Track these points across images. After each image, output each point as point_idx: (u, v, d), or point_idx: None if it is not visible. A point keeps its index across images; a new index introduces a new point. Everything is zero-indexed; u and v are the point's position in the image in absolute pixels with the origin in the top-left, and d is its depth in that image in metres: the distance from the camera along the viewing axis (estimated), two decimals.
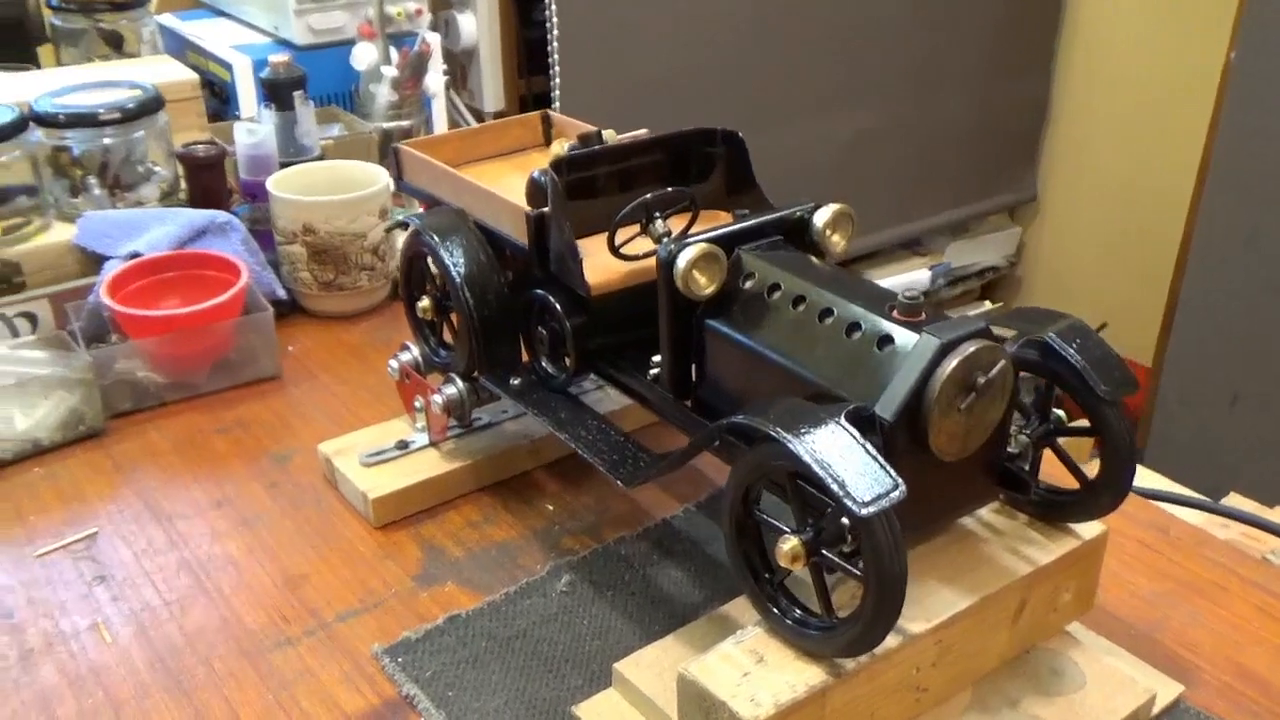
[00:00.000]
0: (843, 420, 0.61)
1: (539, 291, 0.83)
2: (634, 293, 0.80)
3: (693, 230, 0.78)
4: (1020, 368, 0.72)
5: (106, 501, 0.95)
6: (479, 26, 1.91)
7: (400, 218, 0.92)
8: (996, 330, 0.70)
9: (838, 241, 0.78)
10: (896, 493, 0.58)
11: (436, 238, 0.87)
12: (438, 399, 0.92)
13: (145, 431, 1.05)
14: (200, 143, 1.25)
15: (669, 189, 0.78)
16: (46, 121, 1.18)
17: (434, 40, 1.60)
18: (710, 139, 0.87)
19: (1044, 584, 0.73)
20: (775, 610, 0.65)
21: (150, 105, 1.22)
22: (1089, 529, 0.75)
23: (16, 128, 1.16)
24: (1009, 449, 0.72)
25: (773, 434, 0.60)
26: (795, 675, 0.63)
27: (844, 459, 0.59)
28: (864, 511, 0.57)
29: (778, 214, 0.77)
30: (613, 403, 0.96)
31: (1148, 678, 0.75)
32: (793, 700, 0.62)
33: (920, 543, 0.74)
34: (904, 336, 0.64)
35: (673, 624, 0.78)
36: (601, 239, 0.79)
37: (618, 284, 0.80)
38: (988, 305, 2.79)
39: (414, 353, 0.97)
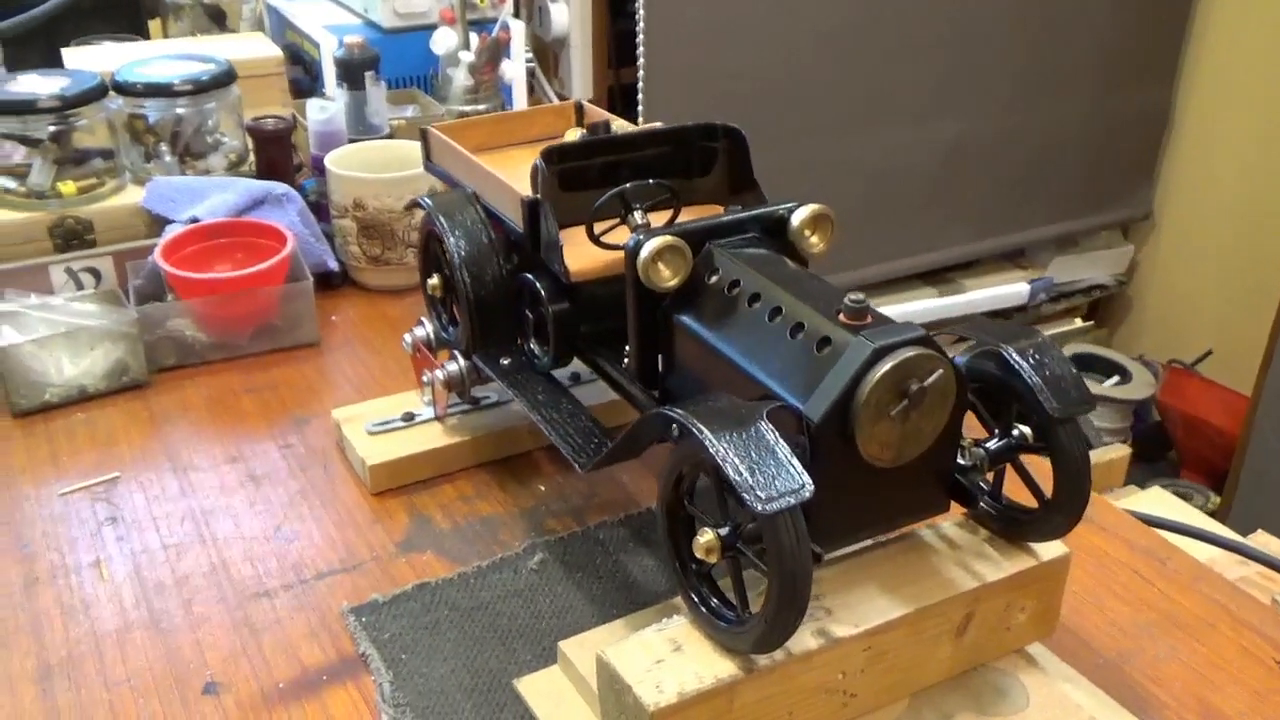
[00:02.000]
0: (762, 418, 0.61)
1: (527, 276, 0.85)
2: (615, 282, 0.81)
3: (679, 224, 0.79)
4: (975, 380, 0.71)
5: (134, 449, 1.01)
6: (570, 16, 1.94)
7: (417, 198, 0.95)
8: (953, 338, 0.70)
9: (815, 243, 0.78)
10: (802, 492, 0.58)
11: (443, 219, 0.90)
12: (439, 374, 0.95)
13: (183, 387, 1.11)
14: (269, 117, 1.31)
15: (649, 181, 0.79)
16: (126, 90, 1.25)
17: (516, 28, 1.64)
18: (712, 134, 0.88)
19: (992, 601, 0.72)
20: (695, 600, 0.66)
21: (222, 79, 1.29)
22: (1049, 549, 0.74)
23: (98, 94, 1.23)
24: (961, 461, 0.71)
25: (690, 427, 0.61)
26: (706, 666, 0.64)
27: (755, 456, 0.59)
28: (763, 508, 0.57)
29: (754, 211, 0.77)
30: (609, 394, 0.97)
31: (1100, 707, 0.73)
32: (697, 690, 0.63)
33: (870, 550, 0.73)
34: (841, 339, 0.64)
35: (632, 609, 0.80)
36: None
37: (598, 272, 0.81)
38: (1078, 323, 2.70)
39: (427, 329, 1.00)
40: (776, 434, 0.60)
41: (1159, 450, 2.57)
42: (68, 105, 1.21)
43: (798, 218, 0.77)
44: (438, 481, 0.96)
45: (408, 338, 1.01)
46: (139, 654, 0.78)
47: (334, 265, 1.27)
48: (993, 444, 0.71)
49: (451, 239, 0.89)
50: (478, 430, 0.98)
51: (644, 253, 0.72)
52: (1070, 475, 0.68)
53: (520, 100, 1.71)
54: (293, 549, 0.88)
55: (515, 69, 1.63)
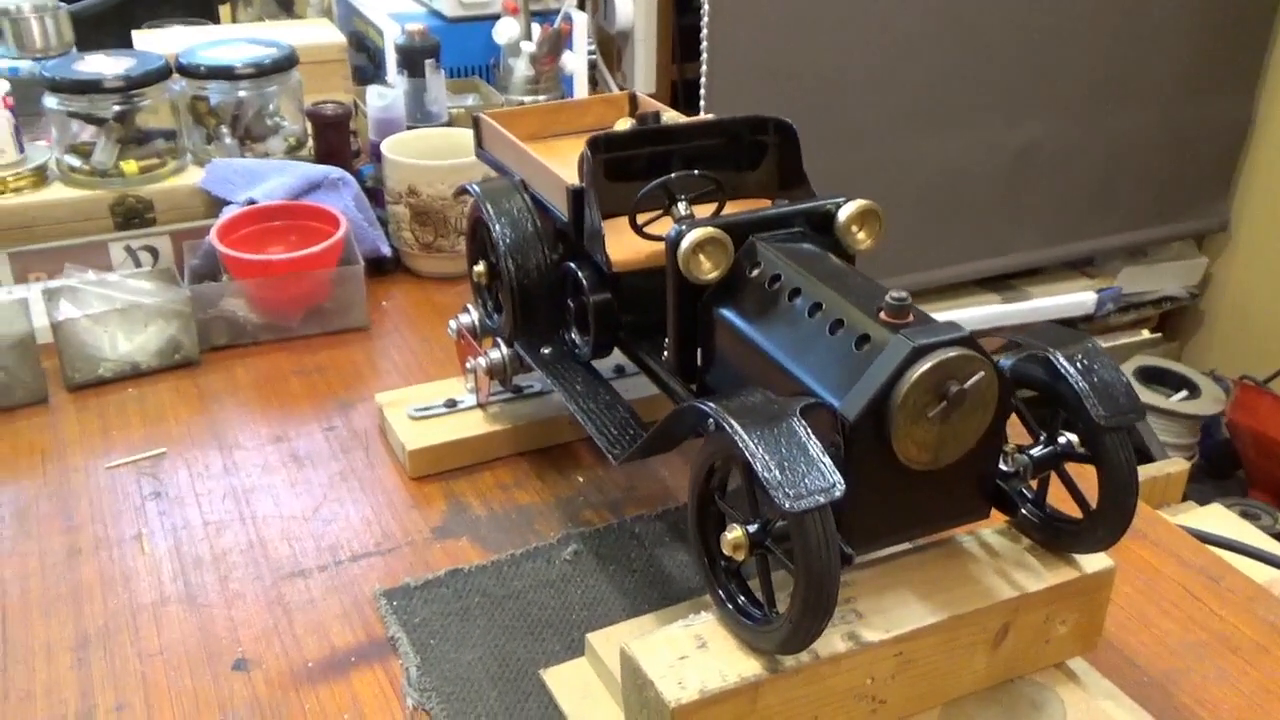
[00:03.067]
0: (796, 414, 0.60)
1: (570, 264, 0.84)
2: (657, 273, 0.80)
3: (722, 216, 0.78)
4: (1021, 384, 0.69)
5: (182, 426, 1.02)
6: (635, 9, 1.93)
7: (465, 184, 0.95)
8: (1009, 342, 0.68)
9: (863, 239, 0.76)
10: (833, 492, 0.57)
11: (489, 205, 0.90)
12: (481, 361, 0.95)
13: (233, 366, 1.12)
14: (329, 102, 1.32)
15: (695, 172, 0.78)
16: (189, 72, 1.27)
17: (578, 20, 1.64)
18: (762, 127, 0.86)
19: (1031, 612, 0.70)
20: (723, 596, 0.65)
21: (284, 63, 1.30)
22: (1093, 562, 0.71)
23: (162, 75, 1.25)
24: (1003, 466, 0.69)
25: (722, 421, 0.60)
26: (730, 665, 0.63)
27: (785, 453, 0.58)
28: (791, 505, 0.56)
29: (800, 206, 0.76)
30: (652, 388, 0.96)
31: None
32: (720, 689, 0.61)
33: (906, 554, 0.72)
34: (880, 337, 0.63)
35: (664, 605, 0.79)
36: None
37: (640, 263, 0.80)
38: (1144, 334, 2.63)
39: (472, 315, 1.00)
40: (809, 431, 0.59)
41: (1227, 468, 2.50)
42: (132, 86, 1.22)
43: (845, 213, 0.76)
44: (477, 469, 0.96)
45: (453, 324, 1.01)
46: (173, 627, 0.79)
47: (387, 251, 1.28)
48: (1037, 450, 0.69)
49: (497, 226, 0.88)
50: (519, 419, 0.97)
51: (685, 244, 0.71)
52: (1116, 486, 0.66)
53: (581, 92, 1.71)
54: (330, 530, 0.89)
55: (577, 61, 1.62)
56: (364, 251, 1.25)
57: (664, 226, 0.79)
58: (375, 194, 1.33)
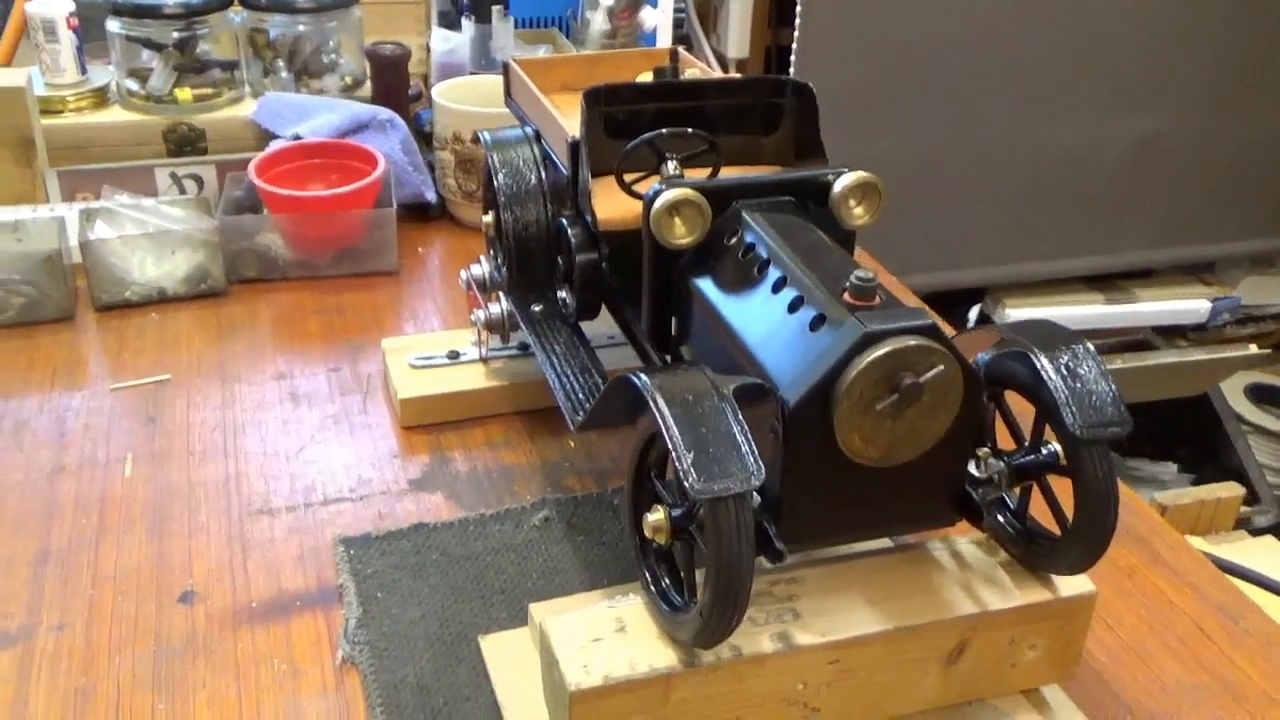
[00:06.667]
0: (726, 396, 0.55)
1: (563, 220, 0.81)
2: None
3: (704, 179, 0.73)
4: (1005, 384, 0.63)
5: (194, 354, 1.02)
6: None
7: (480, 131, 0.92)
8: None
9: (860, 214, 0.71)
10: (750, 481, 0.53)
11: (495, 155, 0.87)
12: (480, 314, 0.92)
13: (258, 300, 1.11)
14: (389, 43, 1.30)
15: (688, 130, 0.73)
16: (250, 3, 1.27)
17: None
18: (780, 89, 0.81)
19: (993, 631, 0.64)
20: (648, 578, 0.61)
21: (344, 0, 1.29)
22: (1071, 584, 0.65)
23: (222, 5, 1.25)
24: (975, 472, 0.63)
25: (648, 398, 0.56)
26: (643, 654, 0.59)
27: (707, 436, 0.54)
28: (700, 491, 0.52)
29: (793, 174, 0.71)
30: None
31: None
32: (626, 678, 0.58)
33: (865, 556, 0.67)
34: (835, 319, 0.58)
35: (625, 581, 0.75)
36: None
37: (630, 224, 0.76)
38: (1253, 349, 2.47)
39: (484, 268, 0.97)
40: (738, 415, 0.55)
41: None
42: (192, 13, 1.23)
43: (841, 185, 0.70)
44: (470, 424, 0.94)
45: (464, 274, 0.98)
46: (132, 553, 0.79)
47: (431, 197, 1.26)
48: (1018, 457, 0.64)
49: (500, 176, 0.85)
50: (517, 376, 0.95)
51: (658, 204, 0.67)
52: (1092, 504, 0.60)
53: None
54: (308, 472, 0.88)
55: (656, 17, 1.58)
56: (407, 196, 1.24)
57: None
58: (432, 139, 1.31)
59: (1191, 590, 0.81)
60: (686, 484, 0.52)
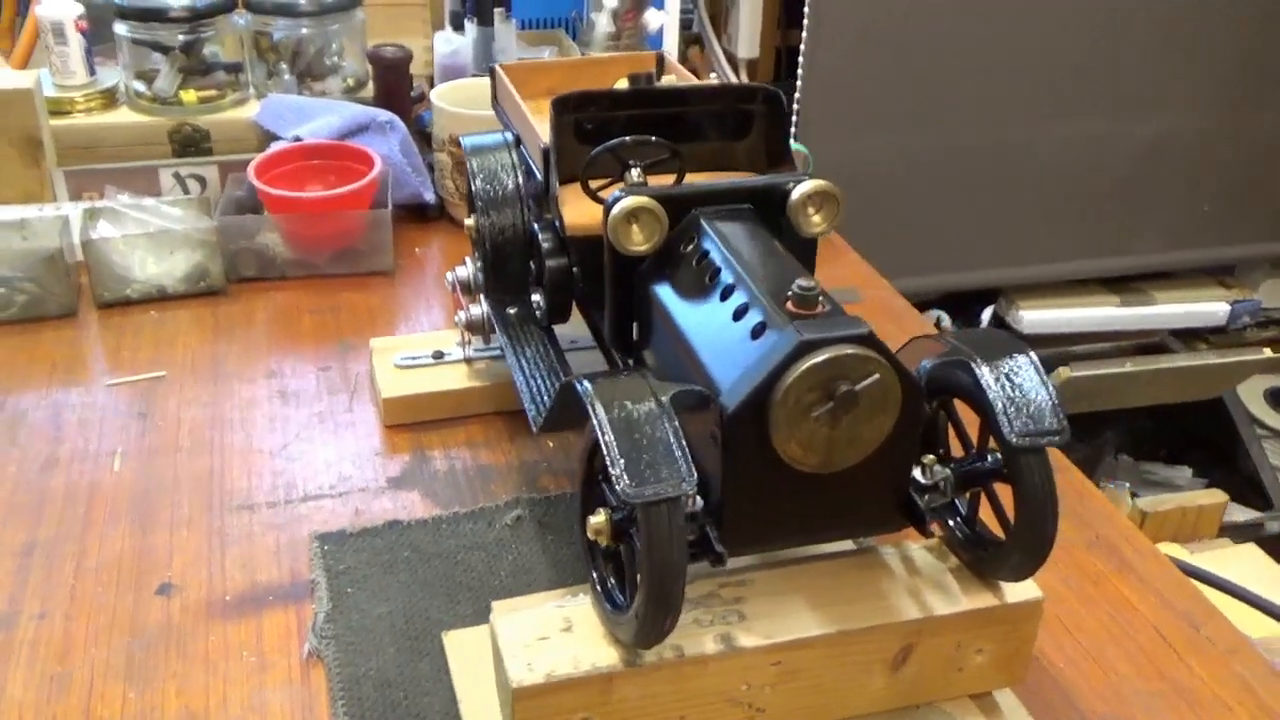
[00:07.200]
0: (663, 402, 0.57)
1: (535, 225, 0.82)
2: None
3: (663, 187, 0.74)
4: (949, 393, 0.64)
5: (189, 351, 1.05)
6: None
7: (460, 135, 0.94)
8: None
9: (819, 223, 0.72)
10: (681, 486, 0.54)
11: (473, 159, 0.88)
12: (461, 315, 0.94)
13: (255, 299, 1.14)
14: (390, 45, 1.32)
15: (651, 138, 0.75)
16: (254, 7, 1.29)
17: None
18: (749, 96, 0.82)
19: (938, 636, 0.65)
20: (595, 578, 0.63)
21: (347, 2, 1.31)
22: (1018, 590, 0.66)
23: (226, 8, 1.28)
24: (920, 478, 0.64)
25: (586, 402, 0.57)
26: (586, 652, 0.61)
27: (641, 441, 0.55)
28: (631, 495, 0.53)
29: (749, 181, 0.72)
30: None
31: None
32: (568, 676, 0.59)
33: (813, 560, 0.68)
34: (775, 326, 0.59)
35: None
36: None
37: (595, 229, 0.77)
38: (1267, 353, 2.44)
39: (469, 269, 0.99)
40: (673, 421, 0.56)
41: None
42: (197, 16, 1.26)
43: (798, 193, 0.71)
44: (453, 424, 0.96)
45: (450, 275, 1.00)
46: (114, 545, 0.81)
47: (430, 198, 1.28)
48: (964, 465, 0.65)
49: (477, 181, 0.87)
50: (499, 377, 0.96)
51: (615, 211, 0.69)
52: (1031, 511, 0.61)
53: (670, 51, 1.68)
54: (290, 468, 0.90)
55: (659, 18, 1.59)
56: (405, 197, 1.26)
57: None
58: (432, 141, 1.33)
59: (1156, 597, 0.81)
60: (619, 488, 0.54)
